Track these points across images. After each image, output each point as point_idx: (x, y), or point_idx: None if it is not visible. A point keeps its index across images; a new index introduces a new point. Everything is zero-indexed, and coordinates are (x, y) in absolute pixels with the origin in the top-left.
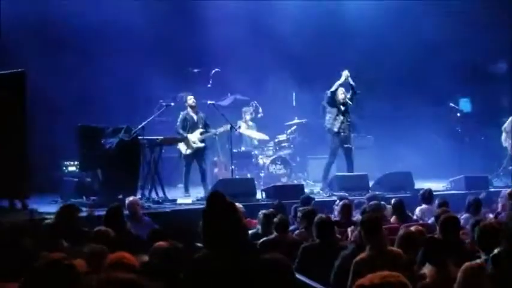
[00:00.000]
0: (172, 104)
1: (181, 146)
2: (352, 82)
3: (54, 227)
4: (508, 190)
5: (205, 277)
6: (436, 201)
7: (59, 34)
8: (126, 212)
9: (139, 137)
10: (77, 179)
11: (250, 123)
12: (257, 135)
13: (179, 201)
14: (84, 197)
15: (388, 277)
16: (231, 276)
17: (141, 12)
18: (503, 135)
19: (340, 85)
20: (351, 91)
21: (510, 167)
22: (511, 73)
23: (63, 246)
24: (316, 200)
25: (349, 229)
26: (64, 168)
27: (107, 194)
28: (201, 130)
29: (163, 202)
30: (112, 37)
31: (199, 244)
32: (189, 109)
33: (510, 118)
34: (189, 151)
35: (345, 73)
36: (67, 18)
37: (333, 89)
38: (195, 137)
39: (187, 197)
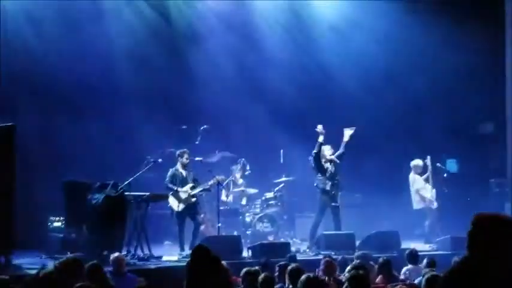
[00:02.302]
0: (160, 160)
1: (173, 203)
2: (347, 139)
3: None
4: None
5: None
6: (425, 261)
7: (49, 89)
8: (110, 268)
9: (126, 193)
10: (62, 235)
11: (241, 180)
12: (242, 201)
13: (164, 258)
14: (68, 253)
15: None
16: None
17: (130, 69)
18: (416, 197)
19: (322, 144)
20: (342, 149)
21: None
22: (497, 134)
23: None
24: (301, 258)
25: None
26: (49, 223)
27: (92, 250)
28: (191, 184)
29: (149, 259)
30: (101, 94)
31: None
32: (179, 165)
33: (411, 176)
34: (181, 207)
35: (319, 129)
36: (57, 74)
37: (315, 150)
38: (185, 192)
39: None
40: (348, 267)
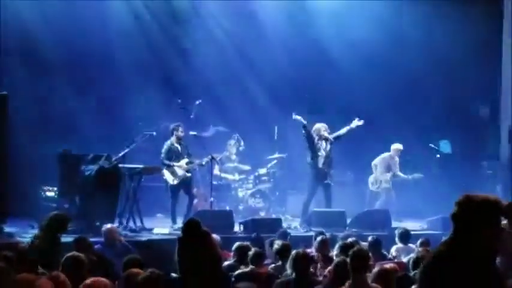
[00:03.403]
0: (155, 133)
1: (168, 177)
2: (354, 126)
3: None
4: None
5: None
6: (419, 241)
7: (45, 59)
8: (102, 239)
9: (120, 165)
10: (54, 205)
11: (234, 156)
12: (233, 176)
13: (156, 230)
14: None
15: None
16: None
17: (127, 42)
18: (372, 178)
19: (305, 125)
20: (345, 130)
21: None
22: (492, 116)
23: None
24: (293, 234)
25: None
26: (42, 193)
27: (85, 221)
28: (186, 160)
29: (140, 231)
30: (98, 65)
31: (174, 274)
32: (174, 139)
33: (381, 156)
34: (176, 181)
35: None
36: (54, 44)
37: (303, 131)
38: (181, 166)
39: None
40: (338, 245)
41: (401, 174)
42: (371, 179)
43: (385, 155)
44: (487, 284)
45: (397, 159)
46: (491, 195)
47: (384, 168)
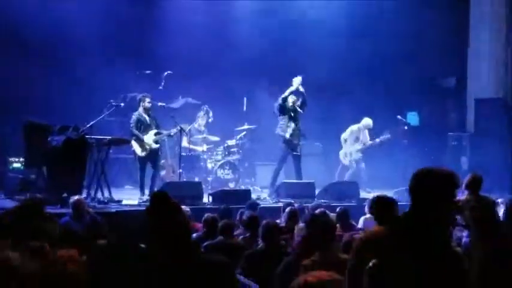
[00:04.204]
0: (122, 104)
1: (136, 148)
2: (302, 90)
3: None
4: None
5: (145, 274)
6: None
7: (8, 29)
8: (70, 210)
9: (87, 136)
10: (21, 176)
11: (203, 128)
12: (202, 147)
13: (124, 201)
14: (28, 194)
15: (335, 275)
16: (171, 274)
17: (95, 12)
18: (342, 152)
19: (291, 92)
20: (301, 99)
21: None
22: (458, 87)
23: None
24: (262, 206)
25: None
26: (9, 164)
27: (52, 192)
28: (155, 131)
29: (109, 202)
30: (64, 35)
31: (142, 245)
32: (141, 110)
33: (350, 128)
34: (144, 153)
35: (297, 80)
36: (19, 14)
37: (284, 95)
38: (149, 138)
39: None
40: (305, 216)
41: (369, 142)
42: (341, 153)
43: (354, 127)
44: (441, 256)
45: (366, 133)
46: (447, 169)
47: (353, 140)
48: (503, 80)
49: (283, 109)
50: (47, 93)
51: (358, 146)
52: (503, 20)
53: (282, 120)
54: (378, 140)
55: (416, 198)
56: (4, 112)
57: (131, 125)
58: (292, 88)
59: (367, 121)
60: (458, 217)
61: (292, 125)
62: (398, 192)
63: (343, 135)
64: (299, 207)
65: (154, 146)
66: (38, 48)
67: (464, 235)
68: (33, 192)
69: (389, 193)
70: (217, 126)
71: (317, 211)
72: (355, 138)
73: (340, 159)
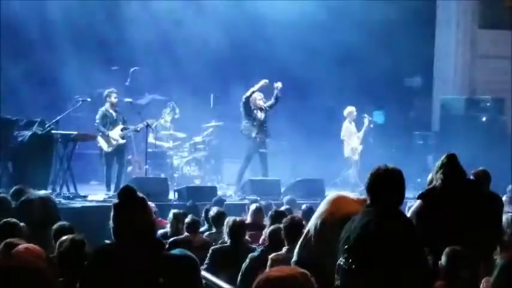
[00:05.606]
0: (89, 99)
1: (103, 144)
2: (280, 95)
3: None
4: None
5: (109, 269)
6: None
7: None
8: None
9: (53, 131)
10: None
11: (169, 124)
12: (168, 143)
13: (90, 197)
14: None
15: (297, 270)
16: (135, 270)
17: (63, 7)
18: (349, 149)
19: (253, 92)
20: (273, 99)
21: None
22: (424, 87)
23: None
24: (228, 202)
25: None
26: None
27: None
28: (121, 126)
29: (74, 198)
30: (31, 29)
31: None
32: (108, 106)
33: (344, 125)
34: (110, 149)
35: (263, 81)
36: None
37: (246, 95)
38: (116, 133)
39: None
40: (271, 213)
41: (361, 131)
42: (347, 151)
43: (345, 125)
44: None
45: (353, 124)
46: (393, 167)
47: (350, 135)
48: (469, 79)
49: (247, 108)
50: (12, 88)
51: (357, 139)
52: (469, 20)
53: (246, 119)
54: (366, 126)
55: (370, 195)
56: None
57: (97, 121)
58: (254, 88)
59: (350, 109)
60: None
61: (258, 123)
62: (363, 191)
63: (342, 135)
64: (266, 204)
65: (121, 141)
66: (2, 43)
67: None
68: None
69: (356, 191)
70: (184, 123)
71: (282, 208)
72: (351, 133)
73: (348, 157)
